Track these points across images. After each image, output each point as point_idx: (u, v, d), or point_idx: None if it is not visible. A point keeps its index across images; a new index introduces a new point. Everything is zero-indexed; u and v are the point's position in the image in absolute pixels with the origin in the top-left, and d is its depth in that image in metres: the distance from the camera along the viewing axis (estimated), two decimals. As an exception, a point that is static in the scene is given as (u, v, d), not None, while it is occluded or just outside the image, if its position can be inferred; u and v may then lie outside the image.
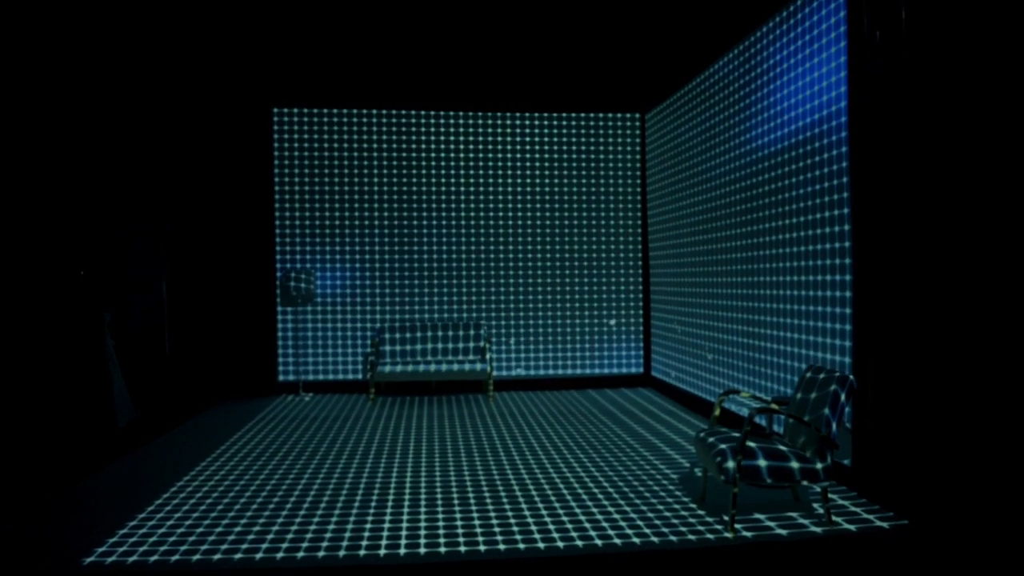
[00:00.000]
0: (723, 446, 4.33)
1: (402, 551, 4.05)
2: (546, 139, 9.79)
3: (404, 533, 4.33)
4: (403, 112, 9.58)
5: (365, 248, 9.54)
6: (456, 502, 4.90)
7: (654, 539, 4.19)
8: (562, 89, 9.46)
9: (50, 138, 6.50)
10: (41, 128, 6.38)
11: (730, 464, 4.20)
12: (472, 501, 4.92)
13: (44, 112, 6.41)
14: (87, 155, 7.05)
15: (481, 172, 9.71)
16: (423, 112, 9.61)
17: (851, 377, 4.36)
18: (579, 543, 4.14)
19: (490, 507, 4.79)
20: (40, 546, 4.21)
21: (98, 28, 6.85)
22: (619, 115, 9.88)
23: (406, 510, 4.75)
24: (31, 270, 6.07)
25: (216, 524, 4.53)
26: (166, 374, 8.38)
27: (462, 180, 9.68)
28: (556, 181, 9.80)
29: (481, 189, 9.71)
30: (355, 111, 9.51)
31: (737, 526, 4.33)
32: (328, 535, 4.31)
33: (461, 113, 9.67)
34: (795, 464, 4.23)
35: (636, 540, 4.17)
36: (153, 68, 7.93)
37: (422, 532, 4.34)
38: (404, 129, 9.60)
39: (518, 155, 9.76)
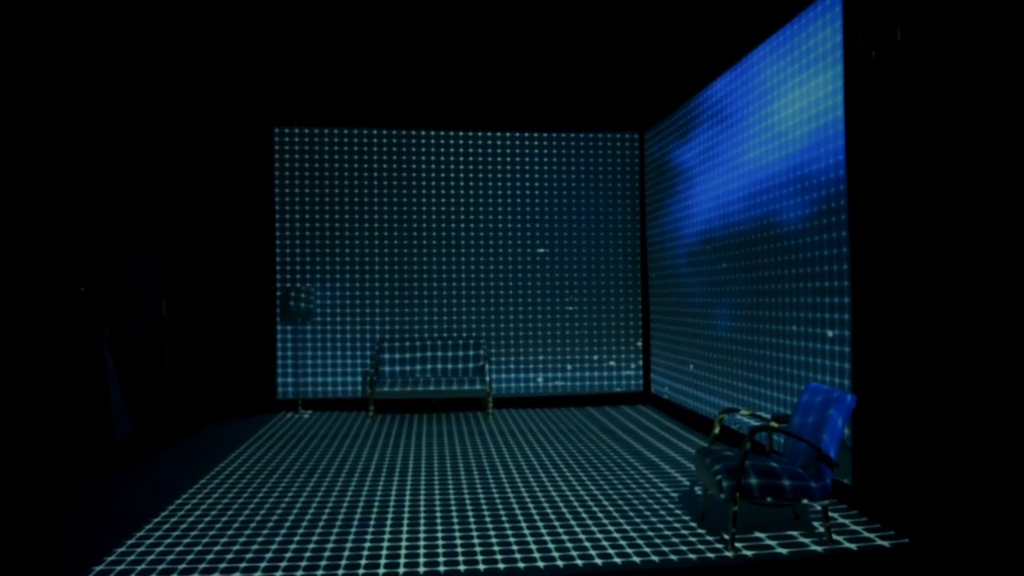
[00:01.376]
0: (723, 464, 4.32)
1: (401, 570, 4.03)
2: (545, 158, 9.85)
3: (403, 552, 4.31)
4: (403, 132, 9.65)
5: (365, 266, 9.57)
6: (456, 520, 4.89)
7: (654, 558, 4.17)
8: (561, 109, 9.52)
9: (51, 157, 6.53)
10: (42, 147, 6.42)
11: (730, 482, 4.20)
12: (472, 519, 4.90)
13: (45, 131, 6.46)
14: (89, 173, 7.09)
15: (481, 191, 9.76)
16: (423, 132, 9.67)
17: (850, 395, 4.37)
18: (579, 562, 4.12)
19: (490, 525, 4.78)
20: (37, 565, 4.19)
21: (103, 52, 6.92)
22: (618, 134, 9.95)
23: (405, 528, 4.73)
24: (31, 286, 6.09)
25: (214, 543, 4.51)
26: (165, 391, 8.37)
27: (462, 199, 9.73)
28: (555, 200, 9.84)
29: (481, 208, 9.75)
30: (355, 130, 9.57)
31: (737, 545, 4.32)
32: (327, 554, 4.30)
33: (461, 132, 9.73)
34: (795, 482, 4.22)
35: (636, 559, 4.16)
36: (154, 90, 7.99)
37: (421, 551, 4.32)
38: (404, 148, 9.66)
39: (518, 174, 9.81)
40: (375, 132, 9.60)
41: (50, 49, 6.33)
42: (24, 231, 6.02)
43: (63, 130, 6.70)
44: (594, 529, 4.67)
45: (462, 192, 9.73)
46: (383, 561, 4.16)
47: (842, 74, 5.11)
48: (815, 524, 4.68)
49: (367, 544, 4.45)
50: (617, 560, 4.14)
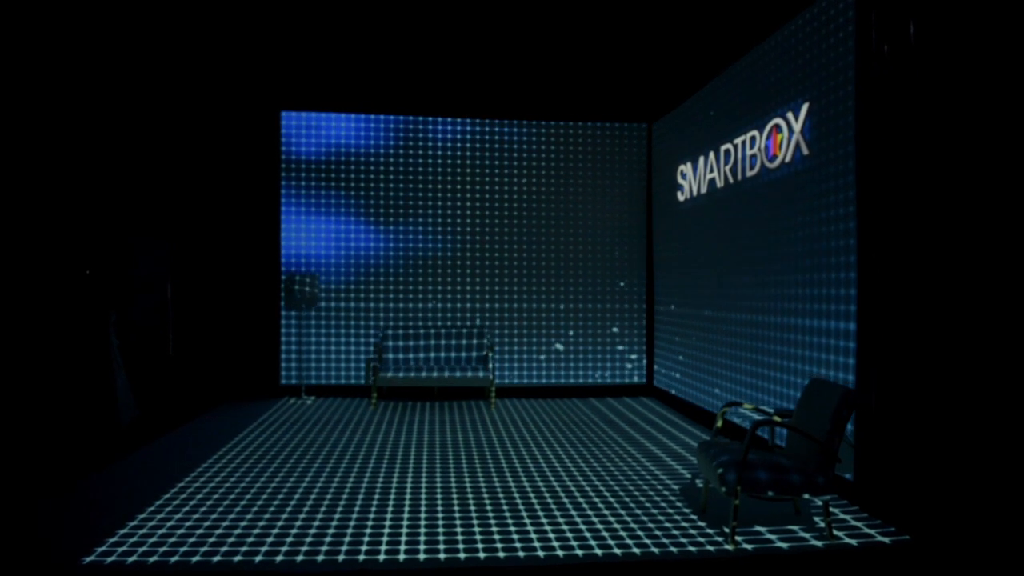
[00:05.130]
0: (724, 458, 4.32)
1: (402, 556, 4.05)
2: (552, 147, 9.81)
3: (404, 538, 4.32)
4: (410, 118, 9.62)
5: (370, 253, 9.56)
6: (457, 508, 4.90)
7: (654, 550, 4.17)
8: (569, 98, 9.48)
9: (56, 138, 6.53)
10: (48, 127, 6.41)
11: (731, 476, 4.19)
12: (473, 508, 4.92)
13: (52, 110, 6.45)
14: (94, 155, 7.08)
15: (487, 179, 9.73)
16: (430, 119, 9.64)
17: (854, 391, 4.35)
18: (579, 552, 4.13)
19: (490, 514, 4.79)
20: (40, 544, 4.22)
21: (106, 32, 6.90)
22: (626, 124, 9.90)
23: (406, 515, 4.75)
24: (38, 268, 6.10)
25: (216, 526, 4.53)
26: (169, 375, 8.39)
27: (468, 187, 9.70)
28: (562, 190, 9.81)
29: (487, 196, 9.73)
30: (363, 116, 9.55)
31: (738, 538, 4.32)
32: (328, 539, 4.31)
33: (468, 120, 9.70)
34: (797, 477, 4.21)
35: (636, 550, 4.16)
36: (162, 70, 7.97)
37: (422, 538, 4.33)
38: (411, 135, 9.63)
39: (524, 163, 9.78)
40: (383, 118, 9.57)
41: (59, 42, 6.32)
42: (30, 214, 6.03)
43: (72, 116, 6.69)
44: (594, 520, 4.68)
45: (467, 180, 9.71)
46: (383, 548, 4.17)
47: (854, 66, 5.07)
48: (816, 519, 4.68)
49: (368, 530, 4.46)
50: (617, 551, 4.15)
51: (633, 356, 9.91)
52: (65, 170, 6.62)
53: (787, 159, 6.06)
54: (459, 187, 9.69)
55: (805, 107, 5.76)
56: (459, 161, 9.70)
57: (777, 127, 6.22)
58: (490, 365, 8.95)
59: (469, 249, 9.70)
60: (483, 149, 9.72)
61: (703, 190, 7.95)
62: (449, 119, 9.66)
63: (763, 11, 6.37)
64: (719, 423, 5.01)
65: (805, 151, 5.77)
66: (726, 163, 7.32)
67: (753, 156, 6.69)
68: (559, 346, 9.69)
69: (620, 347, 9.88)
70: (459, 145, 9.69)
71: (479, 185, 9.72)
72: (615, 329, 9.87)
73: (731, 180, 7.22)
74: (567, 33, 7.52)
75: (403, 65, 8.41)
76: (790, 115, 6.00)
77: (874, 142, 4.85)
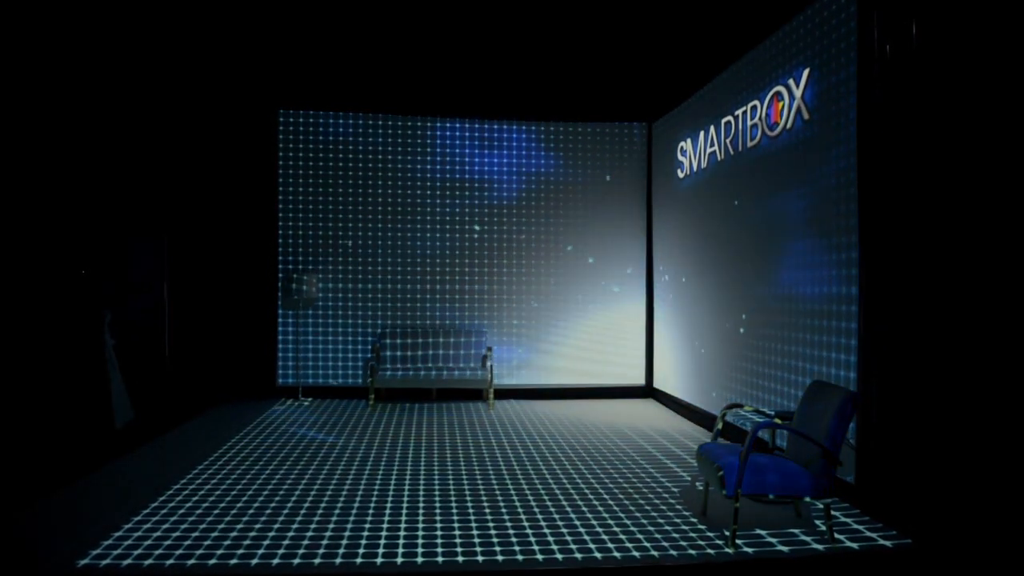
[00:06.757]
0: (725, 460, 4.29)
1: (399, 560, 4.01)
2: (552, 148, 9.77)
3: (402, 542, 4.28)
4: (408, 118, 9.58)
5: (368, 253, 9.52)
6: (455, 512, 4.86)
7: (654, 553, 4.14)
8: (568, 98, 9.45)
9: (52, 134, 6.48)
10: (44, 125, 6.36)
11: (732, 478, 4.16)
12: (471, 511, 4.88)
13: (48, 108, 6.40)
14: (90, 154, 7.04)
15: (486, 179, 9.69)
16: (428, 118, 9.60)
17: (855, 393, 4.32)
18: (578, 555, 4.10)
19: (489, 517, 4.75)
20: (35, 547, 4.17)
21: (104, 31, 6.86)
22: (626, 124, 9.87)
23: (404, 518, 4.71)
24: (31, 267, 6.05)
25: (212, 528, 4.49)
26: (165, 376, 8.34)
27: (466, 187, 9.66)
28: (561, 190, 9.77)
29: (485, 197, 9.69)
30: (361, 115, 9.51)
31: (738, 542, 4.29)
32: (325, 542, 4.27)
33: (467, 121, 9.66)
34: (797, 480, 4.18)
35: (636, 554, 4.13)
36: (160, 69, 7.93)
37: (420, 541, 4.30)
38: (409, 135, 9.59)
39: (523, 163, 9.74)
40: (381, 117, 9.53)
41: (58, 39, 6.28)
42: (24, 211, 5.99)
43: (68, 115, 6.66)
44: (594, 523, 4.64)
45: (467, 180, 9.67)
46: (381, 551, 4.13)
47: (854, 67, 5.04)
48: (817, 522, 4.65)
49: (365, 533, 4.42)
50: (616, 554, 4.11)
51: (633, 357, 9.86)
52: (60, 168, 6.57)
53: (788, 126, 6.04)
54: (457, 186, 9.65)
55: (806, 73, 5.75)
56: (458, 161, 9.65)
57: (778, 95, 6.21)
58: (488, 367, 8.91)
59: (467, 249, 9.66)
60: (482, 148, 9.68)
61: (703, 164, 7.93)
62: (448, 119, 9.62)
63: (765, 13, 6.35)
64: (719, 425, 4.97)
65: (806, 116, 5.75)
66: (727, 136, 7.30)
67: (754, 126, 6.66)
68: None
69: (620, 348, 9.84)
70: (457, 145, 9.65)
71: (478, 186, 9.68)
72: (615, 329, 9.83)
73: (731, 152, 7.20)
74: (567, 33, 7.50)
75: (403, 65, 8.39)
76: (791, 82, 5.99)
77: (876, 146, 4.82)
